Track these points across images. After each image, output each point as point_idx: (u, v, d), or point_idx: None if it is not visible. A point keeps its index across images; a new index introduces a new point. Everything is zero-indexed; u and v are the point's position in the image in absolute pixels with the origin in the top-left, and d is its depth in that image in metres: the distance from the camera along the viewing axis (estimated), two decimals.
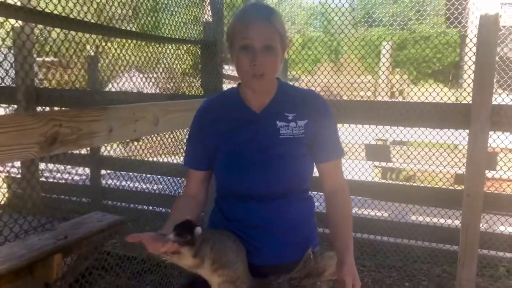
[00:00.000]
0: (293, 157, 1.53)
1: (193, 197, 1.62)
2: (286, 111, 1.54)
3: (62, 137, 1.71)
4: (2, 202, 4.47)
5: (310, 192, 1.65)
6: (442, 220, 3.75)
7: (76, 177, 4.28)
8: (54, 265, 1.69)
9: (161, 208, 4.08)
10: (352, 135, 4.01)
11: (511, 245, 3.58)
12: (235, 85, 1.68)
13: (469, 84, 3.18)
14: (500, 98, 3.05)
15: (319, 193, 2.87)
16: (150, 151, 3.62)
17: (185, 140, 3.10)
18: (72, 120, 1.74)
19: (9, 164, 3.17)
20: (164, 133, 2.99)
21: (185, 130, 3.11)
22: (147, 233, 1.31)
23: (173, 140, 3.27)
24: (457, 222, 3.65)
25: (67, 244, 1.73)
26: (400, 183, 5.91)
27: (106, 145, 4.03)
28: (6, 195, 4.45)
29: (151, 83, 3.32)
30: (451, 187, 4.63)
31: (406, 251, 3.83)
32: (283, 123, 1.53)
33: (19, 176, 3.42)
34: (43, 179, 3.69)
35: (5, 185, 4.46)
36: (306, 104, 1.57)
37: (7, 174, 3.41)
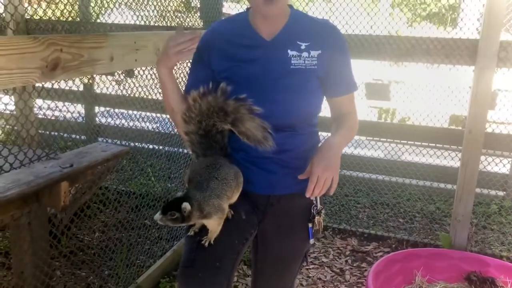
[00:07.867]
0: (303, 90, 1.47)
1: None
2: (299, 39, 1.47)
3: (63, 63, 1.66)
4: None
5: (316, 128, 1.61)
6: (438, 161, 3.79)
7: (70, 115, 4.22)
8: (62, 192, 1.68)
9: (158, 146, 4.05)
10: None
11: (503, 185, 3.66)
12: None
13: (469, 27, 3.13)
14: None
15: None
16: (145, 89, 3.53)
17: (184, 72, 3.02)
18: (73, 46, 1.68)
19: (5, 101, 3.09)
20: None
21: (185, 65, 3.02)
22: None
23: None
24: (452, 162, 3.70)
25: (73, 172, 1.71)
26: (396, 123, 5.93)
27: (99, 82, 3.93)
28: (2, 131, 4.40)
29: (142, 22, 3.19)
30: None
31: (401, 190, 3.90)
32: (295, 52, 1.46)
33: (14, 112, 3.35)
34: (39, 116, 3.63)
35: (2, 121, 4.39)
36: (320, 34, 1.49)
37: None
